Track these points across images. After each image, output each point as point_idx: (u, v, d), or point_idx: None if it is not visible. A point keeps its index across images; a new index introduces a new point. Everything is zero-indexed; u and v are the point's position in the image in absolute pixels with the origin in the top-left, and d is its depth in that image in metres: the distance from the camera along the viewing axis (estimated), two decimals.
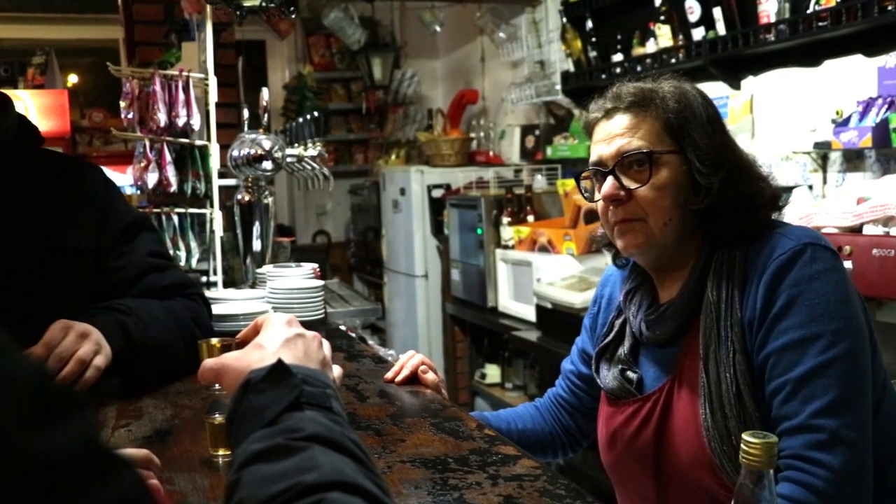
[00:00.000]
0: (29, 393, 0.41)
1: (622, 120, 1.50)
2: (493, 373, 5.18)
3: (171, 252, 2.96)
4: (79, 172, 1.90)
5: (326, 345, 1.06)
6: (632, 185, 1.47)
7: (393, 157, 6.70)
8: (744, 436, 1.01)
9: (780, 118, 3.53)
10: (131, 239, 1.89)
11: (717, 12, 3.50)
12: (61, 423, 0.42)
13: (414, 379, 1.75)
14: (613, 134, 1.50)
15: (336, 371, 1.06)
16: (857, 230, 2.58)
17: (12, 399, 0.40)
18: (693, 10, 3.62)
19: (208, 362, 1.01)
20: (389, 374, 1.77)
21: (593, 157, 1.54)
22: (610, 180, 1.49)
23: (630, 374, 1.57)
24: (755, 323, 1.38)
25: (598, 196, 1.54)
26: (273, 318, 1.05)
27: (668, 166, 1.47)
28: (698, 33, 3.63)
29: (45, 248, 1.75)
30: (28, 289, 1.71)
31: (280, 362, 0.88)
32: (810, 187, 3.28)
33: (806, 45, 3.22)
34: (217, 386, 1.03)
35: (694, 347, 1.45)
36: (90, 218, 1.83)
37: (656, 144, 1.47)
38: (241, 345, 1.05)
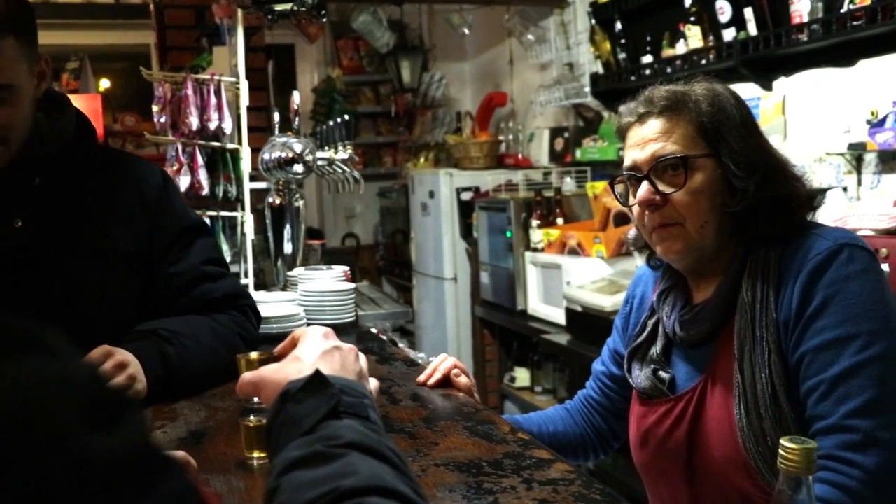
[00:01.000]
0: (85, 394, 0.42)
1: (655, 124, 1.50)
2: (522, 376, 5.17)
3: None
4: (136, 173, 1.86)
5: (363, 357, 1.07)
6: (667, 189, 1.47)
7: (422, 159, 6.71)
8: (782, 441, 1.00)
9: (813, 119, 3.49)
10: (187, 245, 1.86)
11: (749, 13, 3.47)
12: (115, 425, 0.43)
13: (446, 382, 1.75)
14: (647, 139, 1.50)
15: (373, 384, 1.06)
16: (893, 233, 2.55)
17: (70, 400, 0.41)
18: (724, 11, 3.59)
19: (246, 375, 1.02)
20: (422, 378, 1.77)
21: (627, 162, 1.54)
22: (645, 185, 1.49)
23: (662, 373, 1.57)
24: (790, 322, 1.37)
25: (632, 200, 1.54)
26: (310, 331, 1.06)
27: (703, 170, 1.46)
28: (729, 34, 3.60)
29: (94, 249, 1.73)
30: (76, 291, 1.71)
31: (318, 373, 0.89)
32: (844, 189, 3.25)
33: (840, 44, 3.18)
34: (255, 399, 1.04)
35: (728, 348, 1.44)
36: (144, 220, 1.81)
37: (690, 148, 1.47)
38: (279, 358, 1.06)
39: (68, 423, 0.40)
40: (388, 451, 0.79)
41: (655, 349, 1.60)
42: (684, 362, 1.56)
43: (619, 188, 1.60)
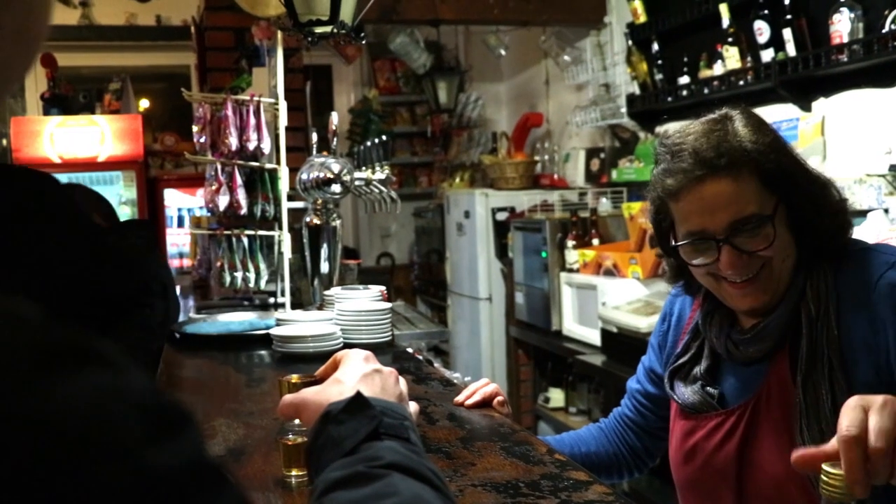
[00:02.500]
0: (145, 407, 0.43)
1: (720, 186, 1.41)
2: (556, 397, 5.15)
3: (241, 273, 3.02)
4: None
5: (402, 380, 1.08)
6: (756, 248, 1.42)
7: (457, 179, 6.73)
8: (824, 466, 1.00)
9: (853, 140, 3.45)
10: None
11: (787, 33, 3.45)
12: (175, 437, 0.43)
13: (482, 404, 1.75)
14: (717, 204, 1.42)
15: (412, 407, 1.07)
16: None
17: (130, 413, 0.42)
18: (762, 32, 3.57)
19: (287, 398, 1.03)
20: (460, 398, 1.77)
21: (692, 227, 1.46)
22: (728, 251, 1.42)
23: (710, 389, 1.56)
24: (873, 341, 1.36)
25: (700, 260, 1.48)
26: (351, 354, 1.08)
27: (778, 218, 1.43)
28: (767, 55, 3.58)
29: None
30: None
31: (359, 394, 0.90)
32: (886, 211, 3.21)
33: (880, 65, 3.15)
34: (297, 421, 1.06)
35: (782, 365, 1.44)
36: None
37: (763, 203, 1.42)
38: (320, 381, 1.08)
39: (129, 437, 0.41)
40: (428, 472, 0.79)
41: (700, 368, 1.59)
42: (734, 379, 1.55)
43: (685, 251, 1.50)
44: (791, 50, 3.46)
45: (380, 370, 1.04)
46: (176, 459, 0.42)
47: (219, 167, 3.04)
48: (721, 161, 1.40)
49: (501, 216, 5.54)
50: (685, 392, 1.59)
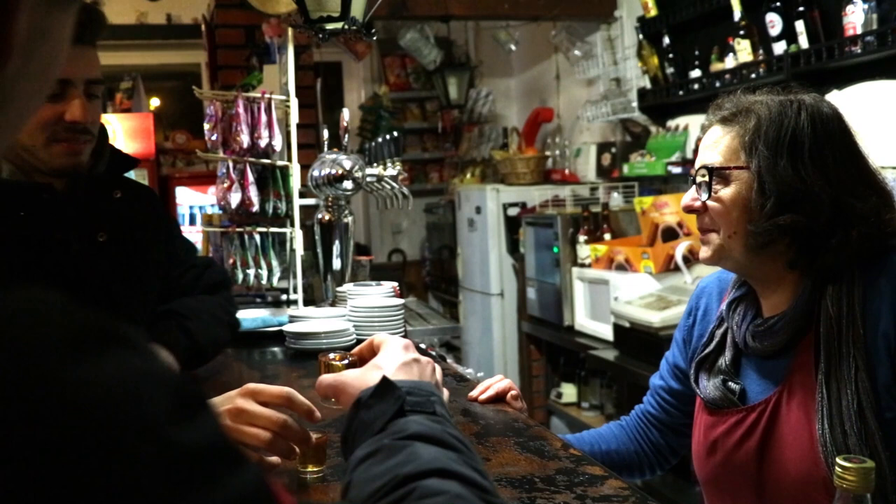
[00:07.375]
0: (169, 387, 0.45)
1: (713, 133, 1.52)
2: (569, 392, 5.14)
3: (254, 271, 3.04)
4: (148, 190, 2.14)
5: (439, 370, 1.12)
6: (703, 196, 1.49)
7: (468, 175, 6.72)
8: (838, 461, 1.01)
9: (867, 132, 3.42)
10: (189, 249, 2.18)
11: (800, 25, 3.43)
12: (197, 416, 0.45)
13: (495, 399, 1.75)
14: (705, 146, 1.53)
15: (444, 394, 1.10)
16: None
17: (158, 393, 0.43)
18: (774, 24, 3.55)
19: (328, 378, 1.07)
20: (474, 393, 1.77)
21: None
22: (691, 191, 1.52)
23: (732, 384, 1.54)
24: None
25: None
26: (390, 341, 1.11)
27: (737, 182, 1.45)
28: (779, 47, 3.56)
29: (148, 262, 1.94)
30: (123, 296, 1.85)
31: (384, 378, 0.93)
32: None
33: (895, 56, 3.13)
34: (333, 400, 1.09)
35: (805, 361, 1.42)
36: (162, 232, 2.06)
37: (731, 160, 1.47)
38: (357, 359, 1.15)
39: (156, 414, 0.42)
40: (451, 439, 0.83)
41: (724, 360, 1.58)
42: (756, 374, 1.54)
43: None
44: (804, 42, 3.44)
45: (418, 359, 1.07)
46: (199, 437, 0.44)
47: (230, 165, 3.04)
48: (723, 113, 1.51)
49: (513, 211, 5.53)
50: (707, 386, 1.58)
